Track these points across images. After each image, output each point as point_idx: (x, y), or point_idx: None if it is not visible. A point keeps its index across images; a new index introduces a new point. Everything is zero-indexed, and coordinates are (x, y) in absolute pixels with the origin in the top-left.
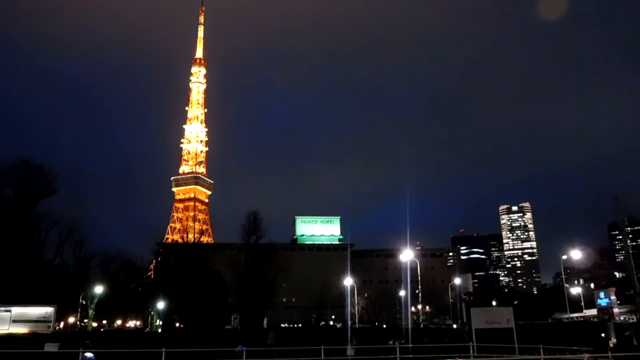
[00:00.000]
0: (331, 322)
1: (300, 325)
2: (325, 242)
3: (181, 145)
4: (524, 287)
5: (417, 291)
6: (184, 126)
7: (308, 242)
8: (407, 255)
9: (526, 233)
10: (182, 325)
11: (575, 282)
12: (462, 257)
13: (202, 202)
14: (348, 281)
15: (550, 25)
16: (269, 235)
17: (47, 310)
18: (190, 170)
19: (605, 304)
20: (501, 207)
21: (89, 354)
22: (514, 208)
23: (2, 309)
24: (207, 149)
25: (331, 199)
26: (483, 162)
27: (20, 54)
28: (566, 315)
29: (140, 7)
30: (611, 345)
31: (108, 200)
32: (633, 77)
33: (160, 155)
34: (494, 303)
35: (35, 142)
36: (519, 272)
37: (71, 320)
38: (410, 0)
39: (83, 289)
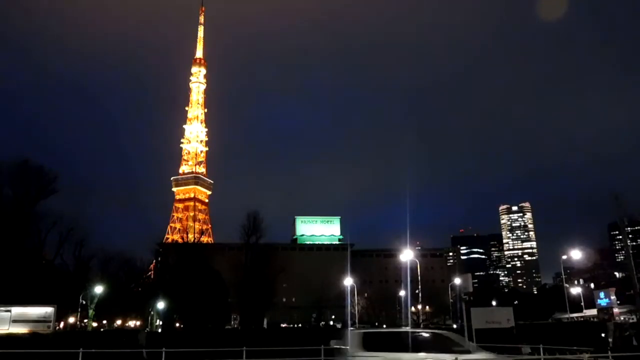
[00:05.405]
0: (331, 322)
1: (300, 325)
2: (325, 242)
3: (181, 145)
4: (524, 287)
5: (417, 291)
6: (184, 126)
7: (308, 242)
8: (407, 255)
9: (526, 233)
10: (182, 325)
11: (575, 282)
12: (462, 257)
13: (202, 202)
14: (348, 281)
15: (550, 25)
16: (269, 235)
17: (47, 310)
18: (190, 170)
19: (605, 304)
20: (501, 207)
21: None
22: (514, 208)
23: (2, 309)
24: (207, 149)
25: (331, 199)
26: (483, 162)
27: (19, 54)
28: (566, 315)
29: (139, 7)
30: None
31: (108, 200)
32: (632, 77)
33: (160, 155)
34: (494, 303)
35: (35, 142)
36: (519, 272)
37: (71, 320)
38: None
39: (83, 289)
